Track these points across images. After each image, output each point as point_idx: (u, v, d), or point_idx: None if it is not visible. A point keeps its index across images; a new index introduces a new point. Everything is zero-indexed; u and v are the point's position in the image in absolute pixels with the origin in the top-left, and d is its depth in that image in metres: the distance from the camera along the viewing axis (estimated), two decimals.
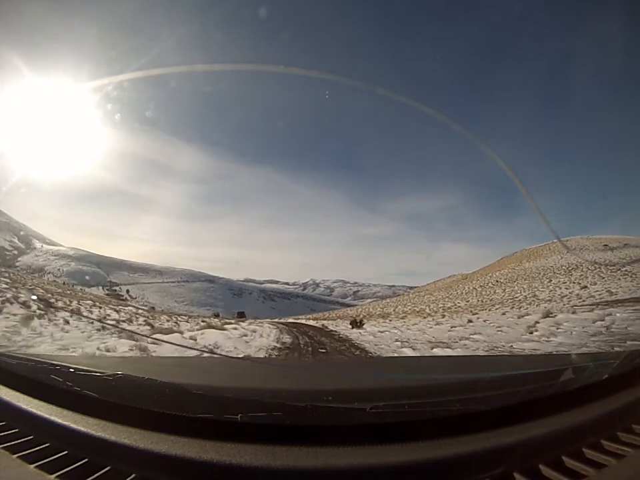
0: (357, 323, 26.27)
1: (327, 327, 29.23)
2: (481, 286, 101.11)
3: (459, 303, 70.67)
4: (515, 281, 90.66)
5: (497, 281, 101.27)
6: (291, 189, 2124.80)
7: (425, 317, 37.90)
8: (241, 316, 66.13)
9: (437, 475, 1.04)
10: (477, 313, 35.24)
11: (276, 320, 61.31)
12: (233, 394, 1.33)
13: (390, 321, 35.72)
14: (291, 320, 60.54)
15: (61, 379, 1.43)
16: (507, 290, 76.62)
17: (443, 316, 36.18)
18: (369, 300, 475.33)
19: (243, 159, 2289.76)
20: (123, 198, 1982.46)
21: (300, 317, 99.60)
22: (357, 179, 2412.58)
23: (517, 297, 59.09)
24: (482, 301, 64.73)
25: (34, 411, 1.35)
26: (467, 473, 1.05)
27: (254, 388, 1.57)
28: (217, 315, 72.89)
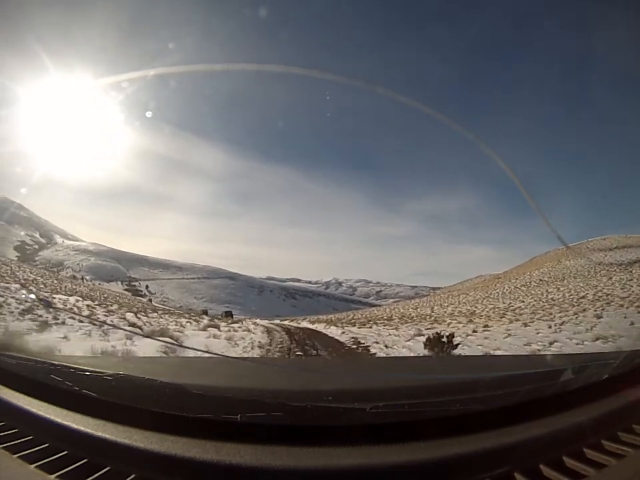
0: (441, 343, 12.73)
1: (366, 347, 16.39)
2: (523, 285, 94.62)
3: (513, 303, 61.66)
4: (563, 280, 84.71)
5: (540, 280, 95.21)
6: (312, 189, 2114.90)
7: (526, 325, 23.92)
8: (228, 315, 61.24)
9: (437, 475, 1.04)
10: (600, 318, 24.39)
11: (286, 322, 52.55)
12: (232, 394, 1.34)
13: (474, 331, 21.97)
14: (304, 324, 45.46)
15: (60, 379, 1.44)
16: (561, 289, 69.40)
17: (561, 324, 22.91)
18: (392, 300, 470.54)
19: (265, 159, 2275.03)
20: (145, 196, 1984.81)
21: (320, 316, 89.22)
22: (377, 179, 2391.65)
23: (584, 296, 49.96)
24: (541, 301, 57.46)
25: (34, 410, 1.35)
26: (467, 473, 1.06)
27: (254, 388, 1.57)
28: (204, 312, 66.85)
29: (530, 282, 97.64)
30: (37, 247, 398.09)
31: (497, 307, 57.98)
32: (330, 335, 23.60)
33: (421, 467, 1.04)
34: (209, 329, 22.80)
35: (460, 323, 31.37)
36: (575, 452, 1.14)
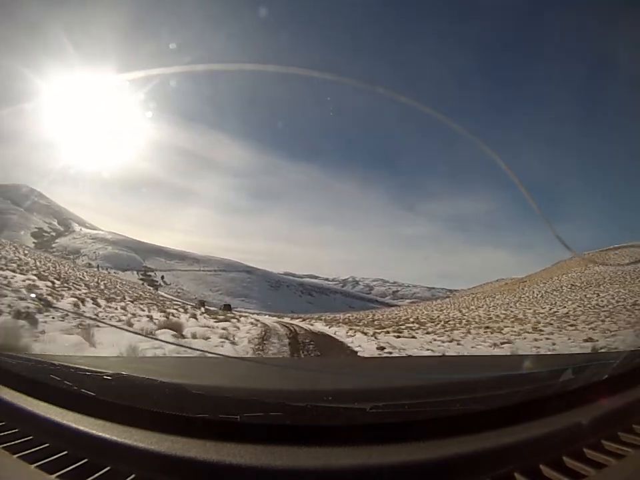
0: None
1: None
2: (554, 290, 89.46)
3: (555, 309, 54.69)
4: (598, 285, 79.51)
5: (572, 285, 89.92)
6: (332, 186, 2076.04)
7: None
8: (227, 309, 58.49)
9: (437, 475, 1.05)
10: None
11: (297, 321, 44.16)
12: (232, 394, 1.35)
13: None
14: (318, 325, 32.63)
15: (60, 379, 1.45)
16: (601, 295, 64.09)
17: None
18: (408, 300, 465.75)
19: (285, 155, 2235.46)
20: (167, 189, 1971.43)
21: (337, 315, 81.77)
22: (397, 178, 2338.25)
23: (636, 303, 47.85)
24: (587, 307, 52.12)
25: (34, 410, 1.36)
26: (467, 473, 1.06)
27: (254, 388, 1.58)
28: (202, 304, 63.27)
29: (561, 287, 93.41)
30: (54, 234, 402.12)
31: (539, 312, 52.06)
32: (360, 352, 14.41)
33: (421, 467, 1.05)
34: (161, 331, 13.81)
35: (525, 331, 23.67)
36: (574, 452, 1.14)
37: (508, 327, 29.01)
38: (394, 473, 1.03)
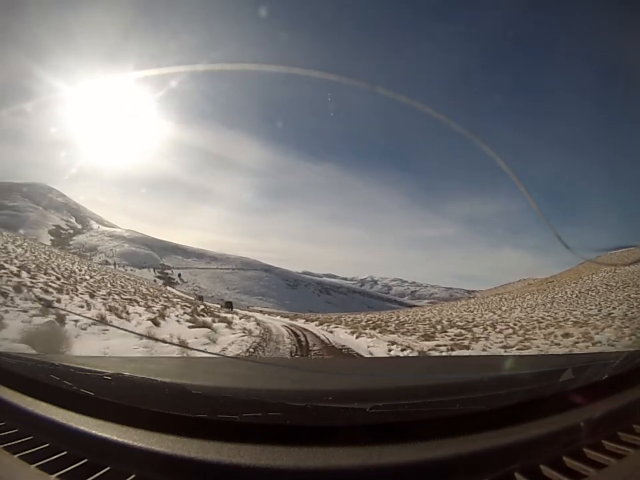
0: None
1: None
2: (589, 290, 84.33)
3: (609, 311, 45.55)
4: (637, 286, 71.79)
5: (607, 285, 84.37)
6: (352, 186, 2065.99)
7: None
8: (228, 306, 56.58)
9: (437, 475, 1.04)
10: None
11: (313, 324, 35.30)
12: (232, 394, 1.33)
13: None
14: (339, 333, 24.08)
15: (60, 379, 1.45)
16: None
17: None
18: (426, 301, 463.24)
19: (305, 155, 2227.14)
20: (185, 188, 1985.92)
21: (357, 316, 67.19)
22: (416, 180, 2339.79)
23: None
24: (638, 308, 48.35)
25: (34, 410, 1.36)
26: (467, 473, 1.05)
27: (254, 388, 1.56)
28: (200, 299, 63.12)
29: (595, 287, 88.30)
30: (71, 231, 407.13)
31: (590, 314, 44.77)
32: None
33: (420, 467, 1.04)
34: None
35: None
36: (574, 452, 1.14)
37: (595, 333, 20.71)
38: (394, 473, 1.03)
